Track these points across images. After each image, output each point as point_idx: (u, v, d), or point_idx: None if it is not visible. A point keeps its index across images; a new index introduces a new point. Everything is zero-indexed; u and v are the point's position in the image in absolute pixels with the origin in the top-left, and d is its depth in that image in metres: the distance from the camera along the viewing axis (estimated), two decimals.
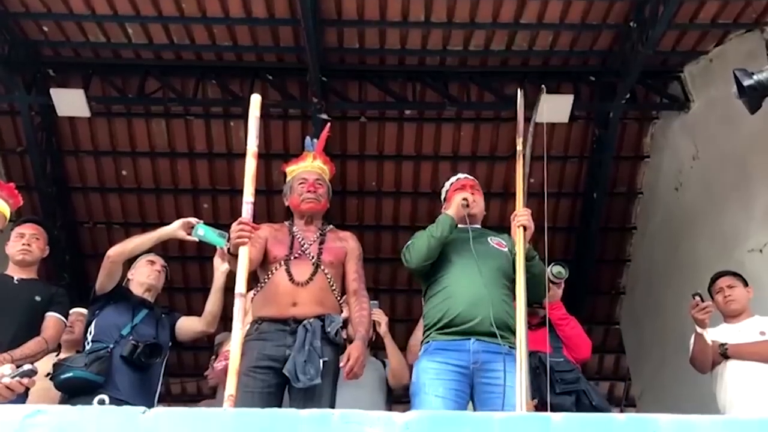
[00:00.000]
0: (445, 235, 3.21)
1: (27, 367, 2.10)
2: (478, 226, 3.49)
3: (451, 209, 3.31)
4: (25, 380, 2.04)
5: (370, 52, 6.76)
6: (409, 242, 3.36)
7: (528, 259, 3.12)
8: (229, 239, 2.92)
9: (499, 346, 3.02)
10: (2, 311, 3.65)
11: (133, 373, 3.57)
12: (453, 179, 3.63)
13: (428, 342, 3.16)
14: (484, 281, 3.13)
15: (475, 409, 3.09)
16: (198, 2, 6.17)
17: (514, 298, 3.29)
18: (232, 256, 2.90)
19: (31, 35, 6.57)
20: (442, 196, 3.65)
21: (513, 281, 3.24)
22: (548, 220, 3.22)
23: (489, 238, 3.39)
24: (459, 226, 3.31)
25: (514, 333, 3.14)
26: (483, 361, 3.01)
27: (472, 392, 3.04)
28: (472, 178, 3.67)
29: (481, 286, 3.11)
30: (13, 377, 2.02)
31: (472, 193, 3.45)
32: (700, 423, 1.67)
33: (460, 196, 3.33)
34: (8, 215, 2.29)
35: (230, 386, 2.35)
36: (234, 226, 2.85)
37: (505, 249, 3.36)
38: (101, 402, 2.70)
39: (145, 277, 3.86)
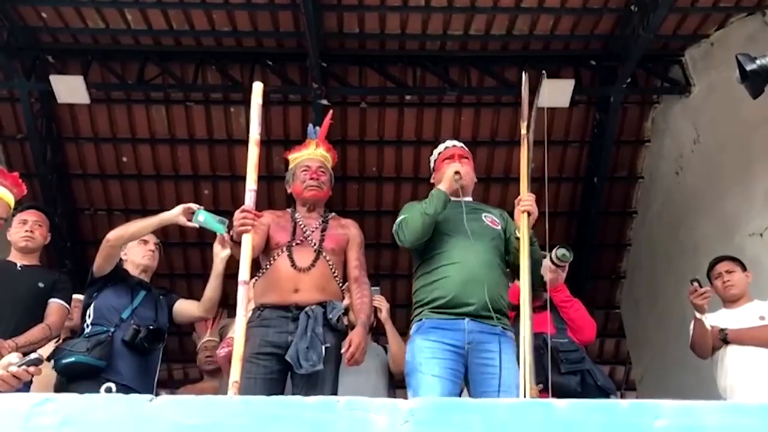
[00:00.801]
0: (438, 211, 3.13)
1: (33, 355, 2.12)
2: (469, 198, 3.41)
3: (444, 184, 3.21)
4: (32, 369, 2.06)
5: (370, 37, 6.73)
6: (400, 218, 3.27)
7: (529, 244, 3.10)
8: (229, 226, 2.93)
9: (493, 327, 3.02)
10: (5, 298, 3.65)
11: (135, 358, 3.56)
12: (441, 147, 3.53)
13: (421, 320, 3.12)
14: (478, 261, 3.09)
15: (469, 390, 3.08)
16: None
17: (509, 279, 3.30)
18: (235, 243, 2.91)
19: (30, 21, 6.54)
20: (431, 165, 3.57)
21: (506, 261, 3.28)
22: (549, 204, 3.20)
23: (483, 215, 3.33)
24: (452, 199, 3.23)
25: (506, 315, 3.17)
26: (477, 341, 2.99)
27: (466, 372, 3.02)
28: (460, 145, 3.53)
29: (476, 267, 3.07)
30: (20, 366, 2.04)
31: (462, 163, 3.36)
32: (703, 409, 1.69)
33: (452, 169, 3.24)
34: (12, 204, 2.29)
35: (234, 373, 2.37)
36: (237, 214, 2.85)
37: (499, 227, 3.31)
38: (108, 390, 2.71)
39: (140, 258, 3.82)
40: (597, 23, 6.55)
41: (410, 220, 3.19)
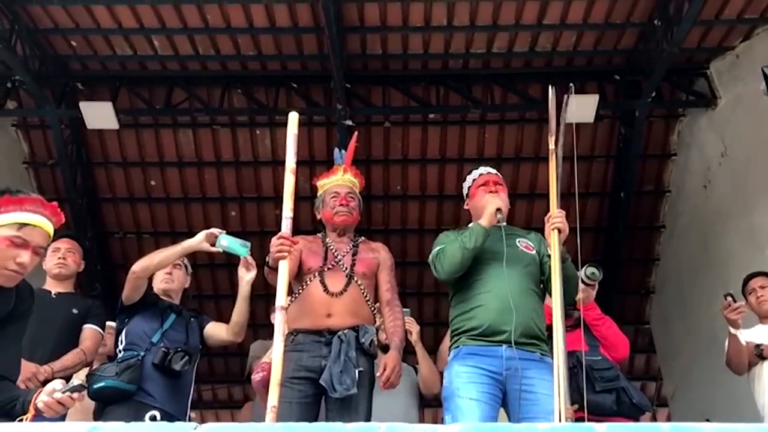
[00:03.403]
0: (479, 246, 3.10)
1: (77, 382, 2.14)
2: (504, 223, 3.34)
3: (484, 219, 3.15)
4: (76, 395, 2.08)
5: (393, 58, 6.79)
6: (437, 249, 3.25)
7: (561, 261, 3.07)
8: (269, 253, 2.92)
9: (532, 353, 3.00)
10: (41, 325, 3.68)
11: (166, 380, 3.56)
12: (475, 174, 3.48)
13: (458, 347, 3.10)
14: (513, 290, 3.06)
15: (508, 416, 3.07)
16: (222, 13, 6.25)
17: (543, 302, 3.26)
18: (271, 269, 2.93)
19: (59, 50, 6.69)
20: (464, 192, 3.52)
21: (540, 285, 3.24)
22: (576, 220, 3.16)
23: (518, 240, 3.28)
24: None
25: (543, 341, 3.13)
26: (516, 368, 2.97)
27: (504, 398, 3.01)
28: (494, 171, 3.49)
29: (510, 295, 3.03)
30: (65, 392, 2.06)
31: (497, 190, 3.33)
32: (746, 431, 1.65)
33: (494, 206, 3.18)
34: (52, 233, 2.33)
35: (272, 397, 2.37)
36: (274, 241, 2.87)
37: (533, 252, 3.27)
38: (152, 418, 2.74)
39: (158, 283, 3.81)
40: (620, 38, 6.54)
41: (448, 253, 3.17)
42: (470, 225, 3.24)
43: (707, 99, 6.78)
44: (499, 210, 3.18)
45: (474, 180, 3.47)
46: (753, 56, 6.30)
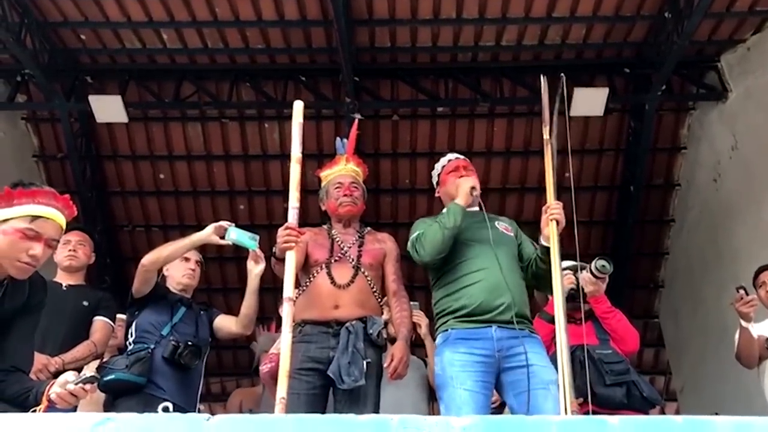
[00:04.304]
0: (458, 224, 3.11)
1: (89, 373, 2.15)
2: (477, 208, 3.37)
3: (461, 198, 3.18)
4: (88, 386, 2.09)
5: (402, 51, 6.78)
6: (415, 234, 3.25)
7: (546, 254, 3.05)
8: (276, 244, 2.92)
9: (520, 331, 2.99)
10: (52, 317, 3.70)
11: (176, 373, 3.58)
12: (444, 161, 3.51)
13: (446, 330, 3.08)
14: (502, 268, 3.08)
15: (500, 395, 3.06)
16: (231, 6, 6.25)
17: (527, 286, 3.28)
18: (278, 260, 2.94)
19: (69, 43, 6.71)
20: (434, 180, 3.55)
21: (523, 268, 3.26)
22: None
23: (497, 222, 3.32)
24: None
25: (530, 321, 3.18)
26: (507, 347, 2.97)
27: (498, 379, 3.00)
28: (463, 157, 3.52)
29: (500, 273, 3.06)
30: (77, 383, 2.07)
31: (467, 174, 3.34)
32: (760, 425, 1.65)
33: (468, 184, 3.21)
34: (64, 226, 2.34)
35: (281, 389, 2.38)
36: (280, 231, 2.87)
37: (512, 234, 3.32)
38: (165, 409, 2.75)
39: (180, 276, 3.84)
40: (630, 31, 6.51)
41: (429, 235, 3.17)
42: (448, 205, 3.24)
43: (718, 92, 6.74)
44: (473, 188, 3.21)
45: (443, 167, 3.49)
46: (764, 49, 6.26)
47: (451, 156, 3.54)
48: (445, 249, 3.13)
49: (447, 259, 3.18)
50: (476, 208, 3.34)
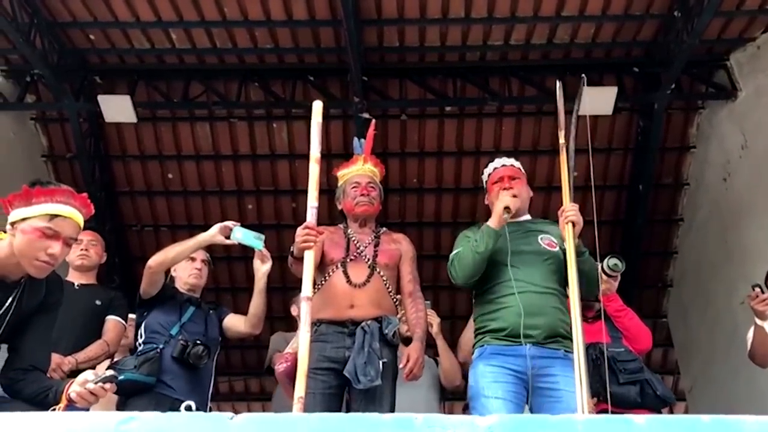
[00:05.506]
0: (490, 248, 3.07)
1: (109, 372, 2.16)
2: (528, 216, 3.35)
3: (493, 220, 3.11)
4: (108, 385, 2.10)
5: (410, 50, 6.77)
6: (453, 254, 3.21)
7: (577, 255, 3.02)
8: (293, 243, 2.92)
9: (555, 351, 2.99)
10: (64, 316, 3.68)
11: (186, 372, 3.59)
12: (490, 168, 3.43)
13: (482, 346, 3.09)
14: (536, 289, 3.06)
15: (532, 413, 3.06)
16: (240, 6, 6.25)
17: (567, 299, 3.24)
18: (296, 259, 2.94)
19: (78, 44, 6.72)
20: (484, 185, 3.48)
21: (564, 282, 3.16)
22: (592, 213, 3.12)
23: (540, 237, 3.23)
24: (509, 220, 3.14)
25: (568, 338, 3.08)
26: (540, 366, 2.97)
27: (528, 396, 3.00)
28: (510, 163, 3.41)
29: (534, 296, 3.04)
30: (97, 382, 2.08)
31: (512, 185, 3.27)
32: None
33: (502, 204, 3.12)
34: (82, 225, 2.35)
35: (300, 388, 2.38)
36: (299, 230, 2.87)
37: (557, 249, 3.19)
38: (188, 408, 2.71)
39: (186, 276, 3.86)
40: (639, 29, 6.49)
41: (462, 257, 3.14)
42: (482, 226, 3.18)
43: (727, 91, 6.72)
44: (507, 209, 3.11)
45: (489, 175, 3.43)
46: None
47: (497, 163, 3.44)
48: (477, 272, 3.11)
49: (483, 278, 3.15)
50: (528, 217, 3.30)
